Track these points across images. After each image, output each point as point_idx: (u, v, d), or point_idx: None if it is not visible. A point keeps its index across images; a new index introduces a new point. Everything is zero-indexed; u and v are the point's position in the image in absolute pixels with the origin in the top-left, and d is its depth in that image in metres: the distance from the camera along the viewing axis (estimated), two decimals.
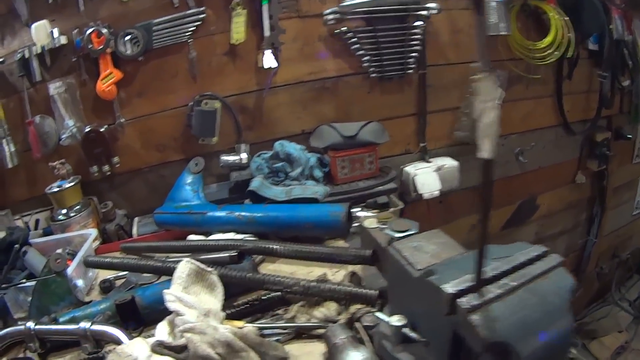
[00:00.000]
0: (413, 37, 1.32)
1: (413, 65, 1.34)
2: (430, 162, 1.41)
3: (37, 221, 1.29)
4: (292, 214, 1.01)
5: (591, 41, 1.56)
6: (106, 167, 1.28)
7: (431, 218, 1.44)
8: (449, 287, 0.44)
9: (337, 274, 0.83)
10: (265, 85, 1.30)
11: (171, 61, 1.26)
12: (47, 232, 1.25)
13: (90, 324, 0.66)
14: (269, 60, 1.25)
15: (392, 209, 1.20)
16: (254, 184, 1.12)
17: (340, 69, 1.33)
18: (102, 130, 1.26)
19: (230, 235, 1.05)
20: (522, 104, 1.50)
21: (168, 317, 0.56)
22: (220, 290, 0.64)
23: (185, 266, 0.62)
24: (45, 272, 0.84)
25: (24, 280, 0.93)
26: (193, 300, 0.59)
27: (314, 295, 0.70)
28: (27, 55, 1.19)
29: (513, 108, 1.47)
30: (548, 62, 1.44)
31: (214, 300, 0.64)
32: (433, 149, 1.43)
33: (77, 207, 1.23)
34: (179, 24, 1.22)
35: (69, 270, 0.88)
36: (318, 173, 1.21)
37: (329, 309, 0.70)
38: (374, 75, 1.33)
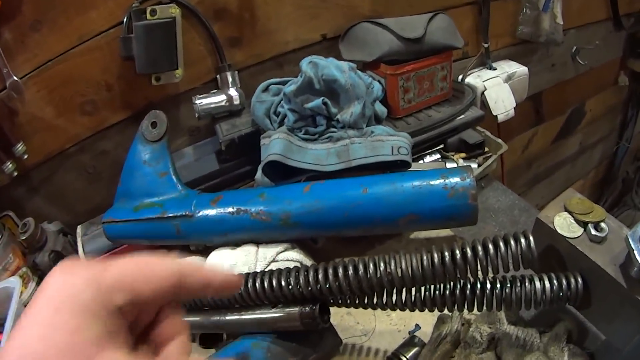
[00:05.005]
0: None
1: None
2: (495, 69, 1.01)
3: None
4: (370, 202, 0.53)
5: None
6: (9, 165, 0.66)
7: None
8: None
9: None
10: None
11: None
12: None
13: None
14: None
15: (490, 154, 0.79)
16: (276, 147, 0.60)
17: None
18: None
19: (253, 252, 0.58)
20: None
21: None
22: None
23: None
24: None
25: None
26: None
27: None
28: None
29: None
30: None
31: None
32: (494, 50, 1.03)
33: None
34: None
35: None
36: (382, 108, 0.72)
37: None
38: None
